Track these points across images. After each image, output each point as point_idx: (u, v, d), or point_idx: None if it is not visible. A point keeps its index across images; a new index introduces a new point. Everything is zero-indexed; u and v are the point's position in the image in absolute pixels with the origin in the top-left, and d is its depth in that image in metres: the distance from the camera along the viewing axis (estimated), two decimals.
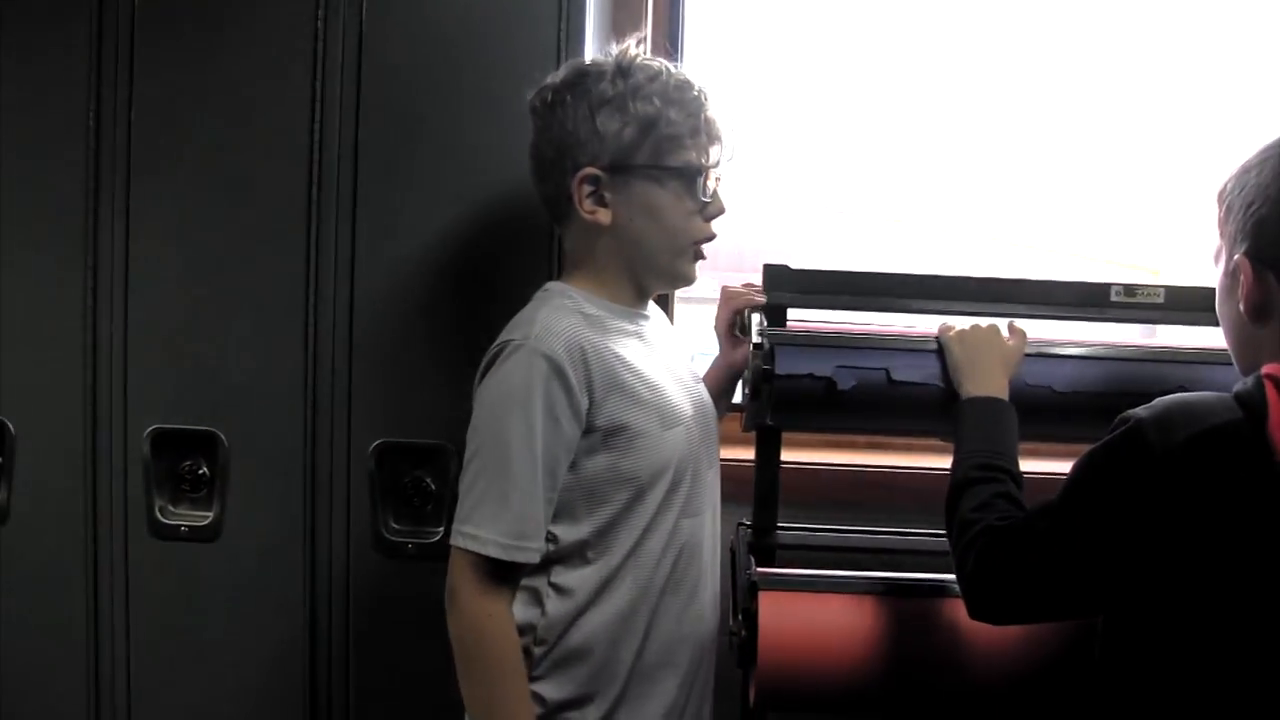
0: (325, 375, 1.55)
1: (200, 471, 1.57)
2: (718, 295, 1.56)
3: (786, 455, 1.60)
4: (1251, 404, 1.05)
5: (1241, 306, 1.13)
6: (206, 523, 1.57)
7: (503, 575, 1.24)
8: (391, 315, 1.54)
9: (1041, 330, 1.46)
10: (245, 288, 1.55)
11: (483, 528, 1.22)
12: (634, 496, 1.28)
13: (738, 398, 1.56)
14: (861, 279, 1.52)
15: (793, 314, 1.54)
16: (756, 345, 1.39)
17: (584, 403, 1.24)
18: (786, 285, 1.51)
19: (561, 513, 1.26)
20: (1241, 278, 1.12)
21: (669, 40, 1.98)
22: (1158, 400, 1.10)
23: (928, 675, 1.37)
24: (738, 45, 2.21)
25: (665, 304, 1.81)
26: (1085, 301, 1.54)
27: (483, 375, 1.27)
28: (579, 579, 1.28)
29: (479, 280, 1.53)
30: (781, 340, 1.39)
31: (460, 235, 1.53)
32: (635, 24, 1.88)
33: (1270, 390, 1.04)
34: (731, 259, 2.28)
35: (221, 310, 1.56)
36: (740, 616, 1.42)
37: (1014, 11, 2.23)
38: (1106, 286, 1.53)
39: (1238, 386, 1.09)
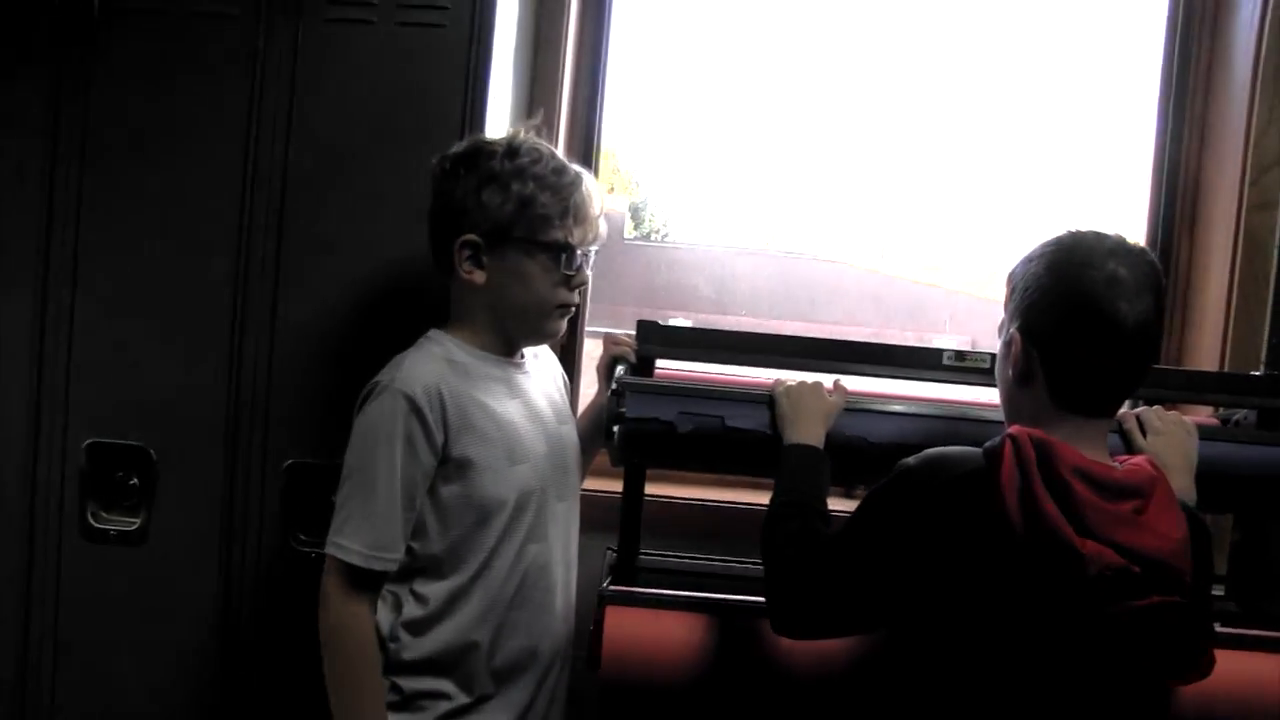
0: (246, 401, 1.74)
1: (131, 482, 1.76)
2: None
3: (674, 490, 1.79)
4: (993, 457, 1.26)
5: (1011, 372, 1.34)
6: (134, 528, 1.76)
7: (365, 582, 1.44)
8: (306, 350, 1.74)
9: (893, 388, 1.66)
10: (179, 324, 1.75)
11: (349, 539, 1.42)
12: (479, 521, 1.48)
13: None
14: (715, 336, 1.73)
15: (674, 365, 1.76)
16: (614, 391, 1.59)
17: (439, 438, 1.45)
18: (655, 339, 1.72)
19: (418, 531, 1.47)
20: (1014, 348, 1.33)
21: (590, 88, 2.19)
22: (925, 451, 1.32)
23: (750, 682, 1.56)
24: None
25: (574, 335, 2.05)
26: (920, 364, 1.73)
27: (359, 409, 1.48)
28: (434, 590, 1.47)
29: (383, 321, 1.71)
30: (633, 387, 1.58)
31: (369, 283, 1.73)
32: (552, 97, 2.10)
33: (1007, 446, 1.25)
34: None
35: (157, 340, 1.75)
36: (592, 627, 1.62)
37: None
38: (939, 352, 1.73)
39: (989, 443, 1.30)
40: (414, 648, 1.47)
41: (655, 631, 1.57)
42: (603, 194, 1.58)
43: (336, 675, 1.43)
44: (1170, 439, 1.51)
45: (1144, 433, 1.53)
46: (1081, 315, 1.28)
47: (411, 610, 1.47)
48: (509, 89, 1.93)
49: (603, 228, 1.57)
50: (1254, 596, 1.80)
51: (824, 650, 1.48)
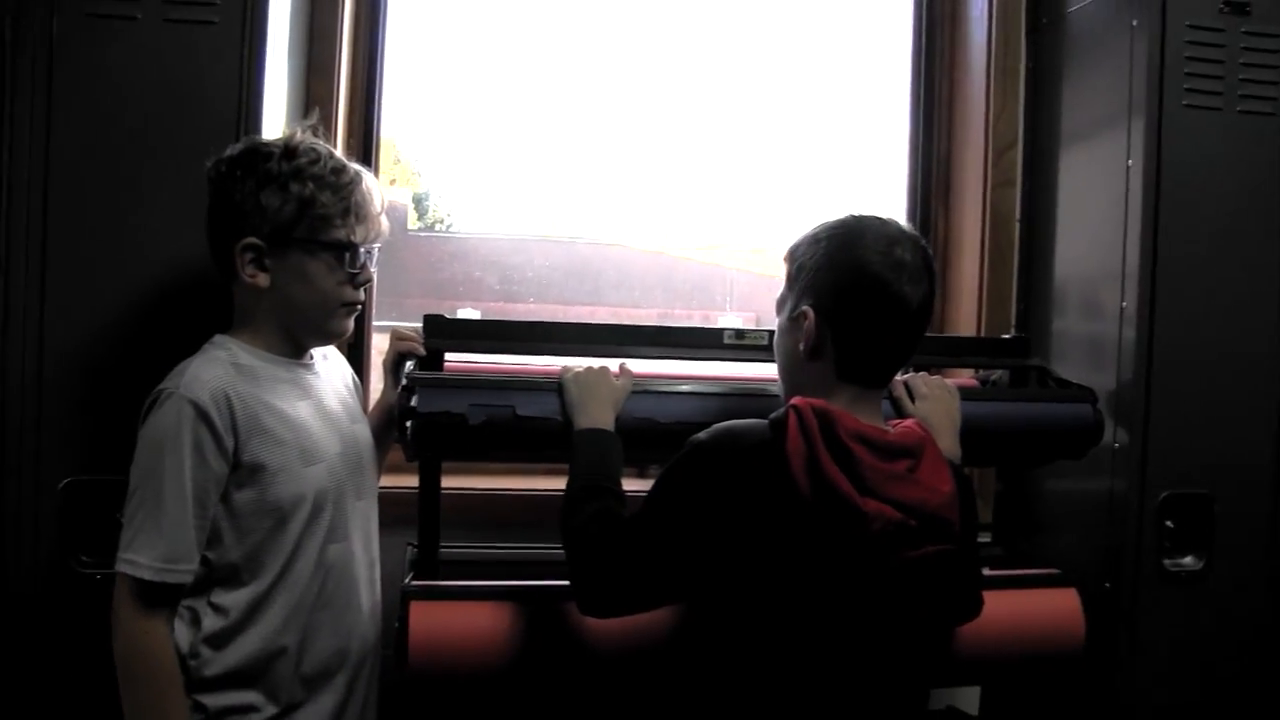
0: (13, 418, 1.65)
1: None
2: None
3: (470, 482, 1.80)
4: (779, 427, 1.34)
5: (801, 346, 1.41)
6: None
7: (159, 597, 1.40)
8: (80, 361, 1.66)
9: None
10: None
11: (139, 553, 1.38)
12: (276, 524, 1.46)
13: None
14: (503, 327, 1.76)
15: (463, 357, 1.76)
16: (404, 387, 1.59)
17: (229, 443, 1.42)
18: (442, 333, 1.72)
19: (213, 540, 1.44)
20: (805, 324, 1.40)
21: (367, 78, 2.19)
22: (715, 426, 1.38)
23: (559, 663, 1.59)
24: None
25: (361, 332, 2.03)
26: (703, 344, 1.80)
27: (143, 419, 1.44)
28: (233, 599, 1.45)
29: (164, 328, 1.65)
30: (422, 382, 1.59)
31: (146, 290, 1.67)
32: (329, 89, 2.08)
33: (792, 417, 1.33)
34: None
35: None
36: (397, 624, 1.62)
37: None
38: (720, 331, 1.81)
39: (774, 414, 1.37)
40: (216, 662, 1.44)
41: (461, 623, 1.58)
42: (383, 191, 1.58)
43: (135, 699, 1.39)
44: (936, 403, 1.64)
45: (912, 398, 1.64)
46: (872, 296, 1.37)
47: (211, 623, 1.44)
48: (285, 83, 1.90)
49: (385, 224, 1.57)
50: (1016, 539, 1.97)
51: (630, 626, 1.51)
